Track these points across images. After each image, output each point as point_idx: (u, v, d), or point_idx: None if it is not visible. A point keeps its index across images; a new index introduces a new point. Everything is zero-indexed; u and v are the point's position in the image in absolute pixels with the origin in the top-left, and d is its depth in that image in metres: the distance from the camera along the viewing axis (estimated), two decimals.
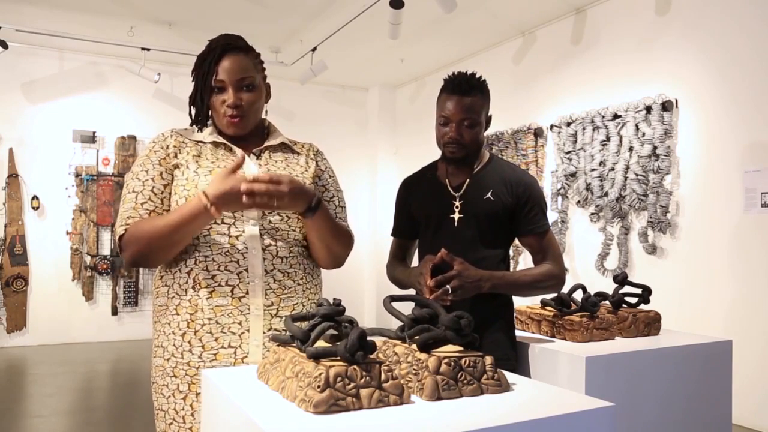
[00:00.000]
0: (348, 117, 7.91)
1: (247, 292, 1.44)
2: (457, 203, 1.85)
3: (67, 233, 6.42)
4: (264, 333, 1.44)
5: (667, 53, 4.37)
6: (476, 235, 1.82)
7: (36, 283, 6.31)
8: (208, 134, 1.56)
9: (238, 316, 1.43)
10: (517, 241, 1.91)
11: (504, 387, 1.15)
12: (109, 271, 6.50)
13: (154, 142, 1.54)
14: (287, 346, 1.21)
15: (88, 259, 6.47)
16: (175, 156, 1.51)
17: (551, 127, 5.25)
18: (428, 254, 1.73)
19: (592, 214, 4.84)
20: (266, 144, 1.59)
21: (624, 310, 1.99)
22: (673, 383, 1.76)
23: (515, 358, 1.81)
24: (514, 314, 1.93)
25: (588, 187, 4.84)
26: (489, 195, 1.82)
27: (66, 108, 6.48)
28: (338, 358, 1.06)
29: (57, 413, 4.05)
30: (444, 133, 1.82)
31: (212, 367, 1.40)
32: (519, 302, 1.94)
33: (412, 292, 1.77)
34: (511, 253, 2.03)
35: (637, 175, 4.43)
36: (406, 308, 1.31)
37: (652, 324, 1.95)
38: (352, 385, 1.02)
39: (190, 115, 1.59)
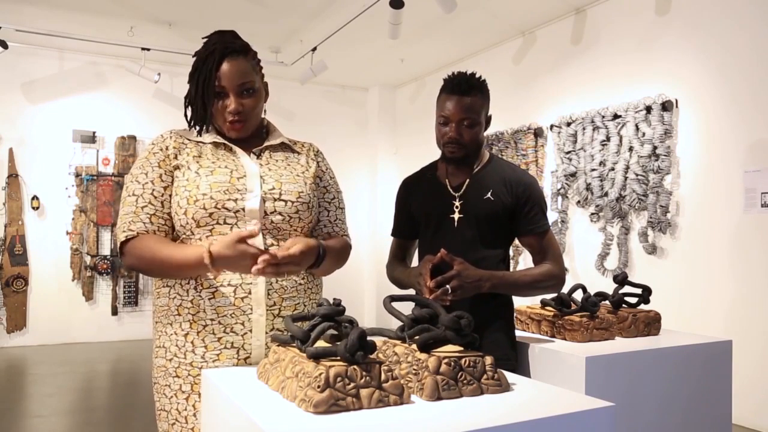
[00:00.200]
0: (348, 117, 7.91)
1: (250, 293, 1.44)
2: (457, 203, 1.85)
3: (67, 233, 6.42)
4: (267, 333, 1.44)
5: (667, 53, 4.37)
6: (476, 235, 1.82)
7: (36, 283, 6.31)
8: (208, 135, 1.55)
9: (241, 316, 1.43)
10: (517, 241, 1.91)
11: (504, 387, 1.15)
12: (109, 271, 6.50)
13: (153, 144, 1.53)
14: (287, 346, 1.22)
15: (88, 259, 6.47)
16: (175, 157, 1.50)
17: (551, 127, 5.25)
18: (428, 254, 1.73)
19: (592, 214, 4.84)
20: (266, 144, 1.59)
21: (624, 310, 1.99)
22: (673, 383, 1.76)
23: (515, 358, 1.81)
24: (514, 314, 1.93)
25: (588, 187, 4.84)
26: (489, 195, 1.82)
27: (66, 108, 6.48)
28: (338, 358, 1.06)
29: (57, 413, 4.05)
30: (444, 133, 1.82)
31: (215, 368, 1.41)
32: (519, 302, 1.94)
33: (412, 292, 1.77)
34: (511, 253, 2.03)
35: (637, 175, 4.43)
36: (406, 308, 1.31)
37: (652, 324, 1.95)
38: (352, 385, 1.02)
39: (186, 116, 1.58)
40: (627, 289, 2.05)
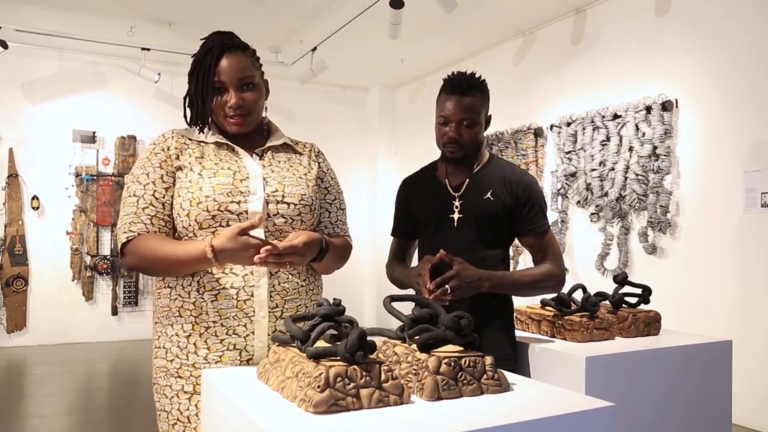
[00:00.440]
0: (348, 117, 7.91)
1: (252, 295, 1.44)
2: (457, 203, 1.85)
3: (67, 233, 6.42)
4: (269, 334, 1.44)
5: (667, 53, 4.37)
6: (476, 235, 1.82)
7: (36, 283, 6.31)
8: (209, 134, 1.55)
9: (243, 318, 1.43)
10: (517, 241, 1.91)
11: (504, 387, 1.15)
12: (109, 271, 6.50)
13: (155, 144, 1.53)
14: (287, 346, 1.22)
15: (88, 259, 6.47)
16: (177, 158, 1.50)
17: (551, 127, 5.25)
18: (428, 254, 1.73)
19: (592, 214, 4.84)
20: (268, 144, 1.59)
21: (624, 310, 1.99)
22: (673, 383, 1.76)
23: (515, 358, 1.81)
24: (514, 314, 1.93)
25: (588, 187, 4.84)
26: (489, 195, 1.82)
27: (66, 108, 6.48)
28: (338, 358, 1.06)
29: (57, 413, 4.05)
30: (443, 132, 1.82)
31: (217, 369, 1.40)
32: (519, 302, 1.94)
33: (411, 292, 1.77)
34: (511, 253, 2.03)
35: (637, 175, 4.43)
36: (406, 308, 1.31)
37: (652, 324, 1.95)
38: (352, 385, 1.02)
39: (185, 116, 1.58)
40: (627, 289, 2.05)
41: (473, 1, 5.00)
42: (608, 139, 4.68)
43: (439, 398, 1.09)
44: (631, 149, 4.49)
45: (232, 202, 1.44)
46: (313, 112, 7.50)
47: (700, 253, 4.10)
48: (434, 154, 1.95)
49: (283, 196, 1.49)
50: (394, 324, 1.34)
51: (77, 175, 6.47)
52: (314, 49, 6.09)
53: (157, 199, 1.47)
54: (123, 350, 6.11)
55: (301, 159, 1.63)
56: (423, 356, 1.15)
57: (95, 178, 6.53)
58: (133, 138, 6.67)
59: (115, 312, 6.56)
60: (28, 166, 6.32)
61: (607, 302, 2.02)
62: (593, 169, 4.77)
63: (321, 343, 1.15)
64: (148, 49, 6.08)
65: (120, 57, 6.51)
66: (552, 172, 5.22)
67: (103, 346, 6.26)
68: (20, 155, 6.28)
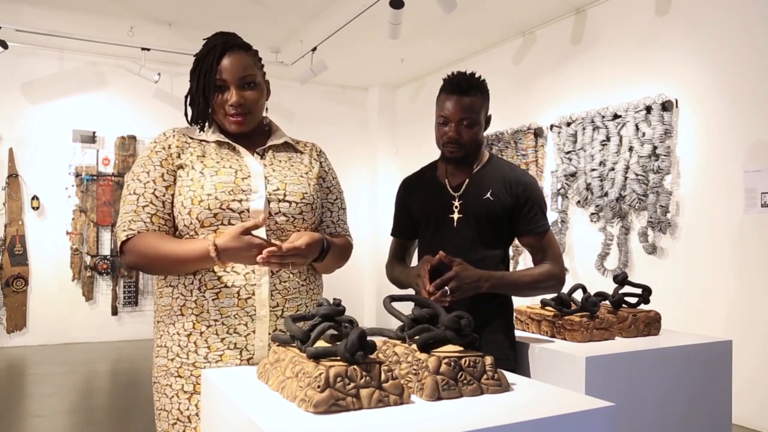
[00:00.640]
0: (348, 117, 7.91)
1: (254, 294, 1.44)
2: (457, 203, 1.85)
3: (67, 233, 6.42)
4: (269, 334, 1.44)
5: (667, 53, 4.37)
6: (475, 235, 1.82)
7: (36, 283, 6.31)
8: (210, 133, 1.55)
9: (244, 317, 1.43)
10: (517, 241, 1.91)
11: (504, 387, 1.15)
12: (109, 271, 6.50)
13: (156, 143, 1.53)
14: (287, 346, 1.22)
15: (88, 259, 6.47)
16: (178, 156, 1.50)
17: (551, 127, 5.25)
18: (428, 254, 1.73)
19: (592, 214, 4.84)
20: (269, 143, 1.59)
21: (624, 310, 1.99)
22: (673, 383, 1.76)
23: (514, 359, 1.81)
24: (514, 314, 1.93)
25: (588, 187, 4.84)
26: (488, 195, 1.82)
27: (66, 108, 6.48)
28: (338, 358, 1.06)
29: (57, 413, 4.05)
30: (443, 132, 1.82)
31: (218, 368, 1.40)
32: (519, 302, 1.94)
33: (411, 291, 1.77)
34: (511, 253, 2.03)
35: (637, 175, 4.43)
36: (406, 308, 1.31)
37: (652, 324, 1.95)
38: (352, 385, 1.02)
39: (186, 115, 1.58)
40: (627, 289, 2.05)
41: (473, 1, 5.00)
42: (608, 139, 4.68)
43: (439, 398, 1.09)
44: (631, 149, 4.49)
45: (233, 200, 1.44)
46: (313, 112, 7.50)
47: (700, 253, 4.10)
48: (434, 154, 1.94)
49: (285, 195, 1.50)
50: (394, 324, 1.34)
51: (77, 175, 6.47)
52: (314, 49, 6.09)
53: (157, 197, 1.47)
54: (123, 350, 6.11)
55: (302, 158, 1.63)
56: (423, 356, 1.15)
57: (95, 178, 6.53)
58: (133, 138, 6.67)
59: (115, 312, 6.56)
60: (28, 166, 6.32)
61: (607, 302, 2.02)
62: (593, 169, 4.77)
63: (321, 343, 1.15)
64: (148, 49, 6.08)
65: (120, 57, 6.51)
66: (552, 172, 5.22)
67: (103, 346, 6.26)
68: (20, 155, 6.28)
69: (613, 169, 4.62)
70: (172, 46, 6.11)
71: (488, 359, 1.17)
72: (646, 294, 2.05)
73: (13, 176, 6.22)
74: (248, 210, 1.45)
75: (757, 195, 3.80)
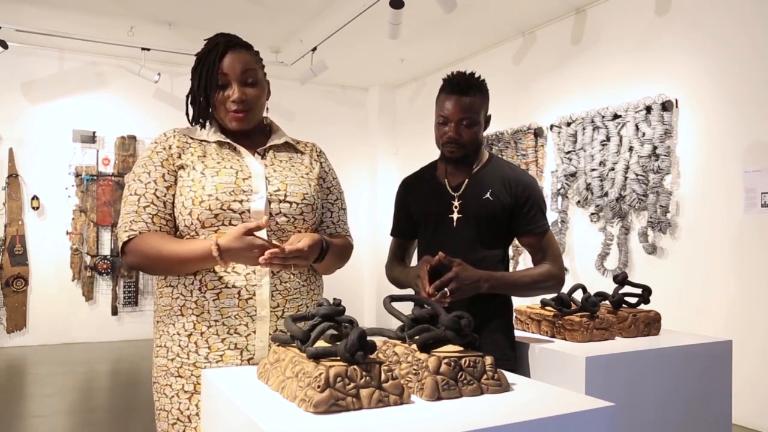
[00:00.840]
0: (348, 117, 7.91)
1: (254, 294, 1.44)
2: (456, 203, 1.85)
3: (67, 233, 6.42)
4: (270, 334, 1.44)
5: (667, 53, 4.37)
6: (475, 235, 1.82)
7: (36, 283, 6.31)
8: (212, 133, 1.55)
9: (245, 317, 1.43)
10: (517, 241, 1.91)
11: (504, 387, 1.15)
12: (109, 271, 6.50)
13: (156, 143, 1.53)
14: (287, 346, 1.22)
15: (88, 259, 6.47)
16: (179, 156, 1.50)
17: (551, 127, 5.24)
18: (427, 254, 1.73)
19: (592, 214, 4.84)
20: (270, 143, 1.59)
21: (624, 310, 1.99)
22: (673, 383, 1.76)
23: (514, 359, 1.81)
24: (514, 314, 1.93)
25: (588, 187, 4.84)
26: (488, 195, 1.82)
27: (66, 108, 6.48)
28: (338, 358, 1.06)
29: (57, 413, 4.05)
30: (443, 132, 1.82)
31: (218, 368, 1.40)
32: (519, 302, 1.94)
33: (411, 291, 1.77)
34: (511, 253, 2.03)
35: (637, 175, 4.43)
36: (406, 308, 1.31)
37: (652, 324, 1.95)
38: (352, 385, 1.02)
39: (187, 114, 1.59)
40: (627, 289, 2.05)
41: (473, 1, 5.00)
42: (608, 139, 4.68)
43: (439, 398, 1.09)
44: (631, 149, 4.49)
45: (234, 201, 1.44)
46: (313, 112, 7.50)
47: (700, 253, 4.10)
48: (434, 154, 1.94)
49: (286, 195, 1.50)
50: (394, 324, 1.34)
51: (77, 175, 6.47)
52: (314, 49, 6.09)
53: (158, 197, 1.46)
54: (123, 350, 6.11)
55: (302, 158, 1.63)
56: (423, 356, 1.15)
57: (95, 178, 6.53)
58: (133, 138, 6.67)
59: (115, 312, 6.56)
60: (28, 166, 6.32)
61: (607, 302, 2.02)
62: (593, 169, 4.77)
63: (321, 343, 1.15)
64: (148, 49, 6.08)
65: (120, 57, 6.51)
66: (552, 172, 5.22)
67: (103, 346, 6.26)
68: (20, 155, 6.28)
69: (613, 169, 4.62)
70: (172, 46, 6.11)
71: (488, 359, 1.17)
72: (646, 294, 2.05)
73: (13, 176, 6.22)
74: (249, 210, 1.45)
75: (757, 195, 3.80)
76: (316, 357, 1.07)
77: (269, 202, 1.47)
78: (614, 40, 4.80)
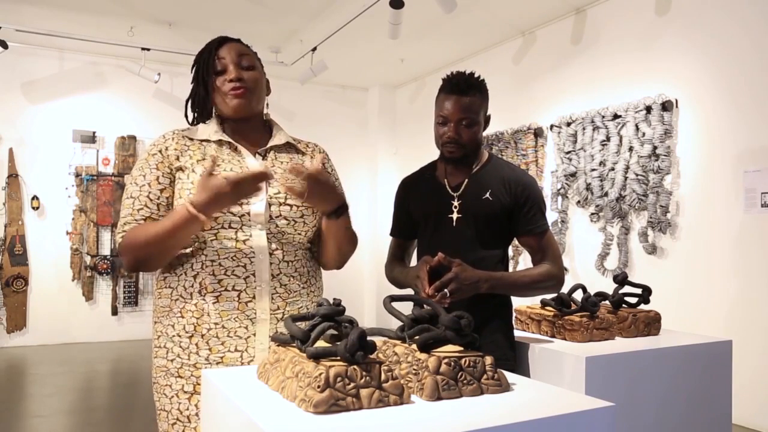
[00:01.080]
0: (348, 117, 7.91)
1: (254, 297, 1.44)
2: (456, 203, 1.85)
3: (67, 233, 6.42)
4: (270, 337, 1.44)
5: (667, 53, 4.37)
6: (475, 235, 1.82)
7: (36, 283, 6.31)
8: (213, 132, 1.54)
9: (245, 320, 1.43)
10: (517, 241, 1.91)
11: (504, 387, 1.15)
12: (109, 271, 6.50)
13: (154, 145, 1.53)
14: (287, 346, 1.21)
15: (88, 259, 6.47)
16: (177, 159, 1.50)
17: (551, 127, 5.25)
18: (427, 254, 1.73)
19: (592, 214, 4.84)
20: (271, 143, 1.58)
21: (624, 310, 1.99)
22: (673, 383, 1.76)
23: (514, 359, 1.81)
24: (514, 314, 1.93)
25: (588, 187, 4.84)
26: (488, 195, 1.82)
27: (66, 108, 6.48)
28: (338, 358, 1.06)
29: (57, 413, 4.05)
30: (442, 132, 1.82)
31: (218, 369, 1.40)
32: (519, 302, 1.94)
33: (411, 291, 1.76)
34: (511, 253, 2.03)
35: (637, 175, 4.43)
36: (406, 308, 1.31)
37: (652, 324, 1.95)
38: (352, 385, 1.02)
39: (186, 116, 1.60)
40: (627, 289, 2.05)
41: (473, 1, 5.00)
42: (608, 139, 4.68)
43: (439, 398, 1.09)
44: (631, 149, 4.49)
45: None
46: (313, 112, 7.51)
47: (700, 253, 4.10)
48: (434, 154, 1.94)
49: (286, 198, 1.50)
50: (394, 324, 1.33)
51: (77, 175, 6.47)
52: (314, 49, 6.09)
53: (151, 200, 1.47)
54: (123, 350, 6.12)
55: (303, 158, 1.63)
56: (423, 356, 1.15)
57: (95, 178, 6.53)
58: (133, 138, 6.68)
59: (115, 312, 6.56)
60: (28, 166, 6.32)
61: (607, 302, 2.02)
62: (593, 169, 4.77)
63: (321, 343, 1.15)
64: (148, 49, 6.08)
65: (120, 57, 6.51)
66: (552, 172, 5.22)
67: (103, 346, 6.26)
68: (20, 155, 6.28)
69: (613, 169, 4.62)
70: (172, 46, 6.11)
71: (488, 359, 1.17)
72: (646, 294, 2.05)
73: (13, 176, 6.23)
74: (248, 213, 1.45)
75: (757, 195, 3.80)
76: (316, 357, 1.07)
77: (269, 204, 1.47)
78: (614, 40, 4.80)
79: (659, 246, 4.34)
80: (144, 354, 5.65)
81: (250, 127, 1.59)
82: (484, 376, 1.14)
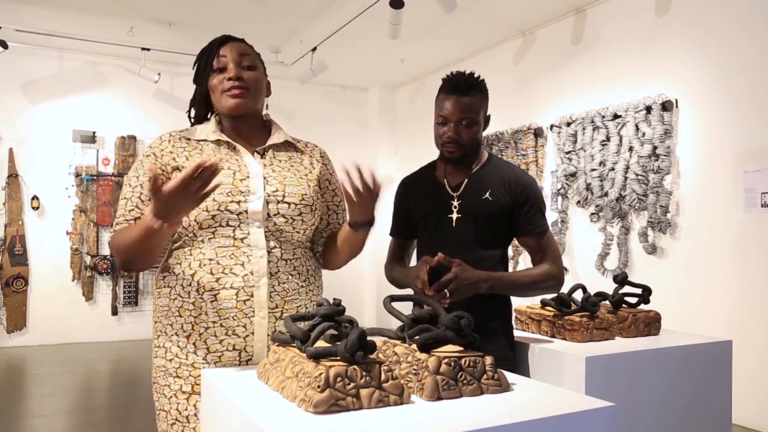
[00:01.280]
0: (348, 117, 7.91)
1: (252, 295, 1.44)
2: (456, 203, 1.85)
3: (67, 233, 6.42)
4: (268, 335, 1.44)
5: (667, 53, 4.37)
6: (474, 235, 1.82)
7: (36, 283, 6.31)
8: (211, 132, 1.55)
9: (243, 318, 1.43)
10: (516, 241, 1.91)
11: (504, 387, 1.15)
12: (109, 271, 6.50)
13: (150, 147, 1.54)
14: (287, 346, 1.21)
15: (88, 259, 6.47)
16: (174, 159, 1.50)
17: (551, 127, 5.25)
18: (426, 254, 1.73)
19: (592, 214, 4.84)
20: (269, 142, 1.58)
21: (624, 310, 1.99)
22: (673, 383, 1.76)
23: (513, 359, 1.81)
24: (513, 314, 1.93)
25: (588, 187, 4.84)
26: (487, 195, 1.82)
27: (66, 108, 6.48)
28: (338, 358, 1.06)
29: (57, 413, 4.05)
30: (442, 132, 1.82)
31: (217, 368, 1.40)
32: (519, 302, 1.94)
33: (410, 291, 1.76)
34: (511, 253, 2.03)
35: (637, 175, 4.43)
36: (406, 308, 1.31)
37: (652, 324, 1.95)
38: (352, 385, 1.02)
39: (190, 117, 1.60)
40: (627, 289, 2.05)
41: (473, 1, 5.00)
42: (608, 139, 4.68)
43: (439, 398, 1.09)
44: (631, 149, 4.49)
45: (231, 201, 1.44)
46: (313, 112, 7.50)
47: (700, 253, 4.10)
48: (434, 154, 1.94)
49: (284, 196, 1.49)
50: (394, 324, 1.33)
51: (77, 175, 6.47)
52: (314, 49, 6.09)
53: (142, 201, 1.48)
54: (123, 350, 6.11)
55: (302, 158, 1.63)
56: (423, 356, 1.15)
57: (95, 178, 6.53)
58: (133, 138, 6.68)
59: (115, 312, 6.56)
60: (28, 166, 6.32)
61: (607, 302, 2.02)
62: (593, 169, 4.77)
63: (321, 343, 1.15)
64: (148, 49, 6.08)
65: (120, 57, 6.51)
66: (552, 172, 5.22)
67: (103, 346, 6.26)
68: (20, 155, 6.28)
69: (613, 169, 4.62)
70: (172, 46, 6.11)
71: (488, 359, 1.17)
72: (646, 294, 2.05)
73: (13, 176, 6.23)
74: (246, 211, 1.45)
75: (757, 195, 3.80)
76: (316, 357, 1.07)
77: (267, 202, 1.47)
78: (614, 40, 4.80)
79: (659, 246, 4.34)
80: (144, 354, 5.65)
81: (249, 127, 1.59)
82: (484, 376, 1.14)
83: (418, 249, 1.98)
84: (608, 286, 2.15)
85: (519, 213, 1.83)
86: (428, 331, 1.21)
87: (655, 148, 4.33)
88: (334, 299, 1.21)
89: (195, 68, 1.59)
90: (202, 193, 1.23)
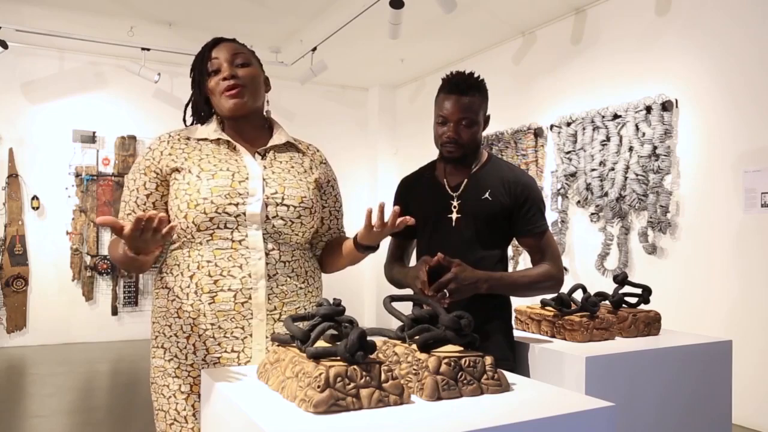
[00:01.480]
0: (348, 117, 7.91)
1: (250, 297, 1.43)
2: (455, 203, 1.84)
3: (67, 233, 6.42)
4: (267, 337, 1.44)
5: (667, 53, 4.37)
6: (474, 235, 1.82)
7: (36, 283, 6.31)
8: (212, 131, 1.54)
9: (241, 321, 1.43)
10: (516, 241, 1.91)
11: (504, 387, 1.15)
12: (109, 271, 6.50)
13: (149, 149, 1.54)
14: (287, 346, 1.21)
15: (88, 259, 6.47)
16: (173, 160, 1.50)
17: (551, 127, 5.25)
18: (426, 254, 1.73)
19: (592, 214, 4.84)
20: (271, 143, 1.58)
21: (624, 310, 1.99)
22: (673, 383, 1.76)
23: (513, 359, 1.81)
24: (513, 315, 1.93)
25: (588, 187, 4.84)
26: (487, 195, 1.82)
27: (66, 108, 6.48)
28: (338, 358, 1.06)
29: (57, 413, 4.05)
30: (442, 132, 1.82)
31: (217, 369, 1.41)
32: (519, 302, 1.94)
33: (410, 291, 1.76)
34: (511, 253, 2.03)
35: (637, 175, 4.43)
36: (406, 308, 1.31)
37: (652, 324, 1.95)
38: (352, 385, 1.02)
39: (184, 120, 1.61)
40: (627, 289, 2.05)
41: (473, 1, 5.00)
42: (608, 139, 4.68)
43: (439, 398, 1.09)
44: (631, 149, 4.49)
45: (230, 204, 1.43)
46: (313, 112, 7.50)
47: (700, 253, 4.10)
48: (434, 154, 1.94)
49: (283, 198, 1.49)
50: (394, 324, 1.34)
51: (77, 175, 6.47)
52: (314, 49, 6.09)
53: (138, 205, 1.49)
54: (123, 350, 6.11)
55: (303, 159, 1.62)
56: (423, 356, 1.15)
57: (95, 178, 6.53)
58: (133, 138, 6.67)
59: (115, 312, 6.56)
60: (28, 166, 6.32)
61: (607, 302, 2.02)
62: (593, 169, 4.77)
63: (321, 343, 1.15)
64: (148, 49, 6.08)
65: (120, 57, 6.51)
66: (552, 172, 5.22)
67: (103, 346, 6.26)
68: (20, 155, 6.28)
69: (613, 169, 4.62)
70: (172, 46, 6.11)
71: (488, 359, 1.17)
72: (646, 294, 2.05)
73: (13, 176, 6.22)
74: (244, 214, 1.44)
75: (757, 195, 3.80)
76: (316, 357, 1.07)
77: (266, 204, 1.47)
78: (614, 40, 4.80)
79: (659, 246, 4.34)
80: (144, 354, 5.65)
81: (250, 126, 1.58)
82: (484, 376, 1.14)
83: (417, 249, 1.98)
84: (608, 286, 2.15)
85: (518, 213, 1.82)
86: (428, 331, 1.21)
87: (655, 148, 4.33)
88: (334, 299, 1.21)
89: (191, 75, 1.58)
90: (162, 235, 1.20)
